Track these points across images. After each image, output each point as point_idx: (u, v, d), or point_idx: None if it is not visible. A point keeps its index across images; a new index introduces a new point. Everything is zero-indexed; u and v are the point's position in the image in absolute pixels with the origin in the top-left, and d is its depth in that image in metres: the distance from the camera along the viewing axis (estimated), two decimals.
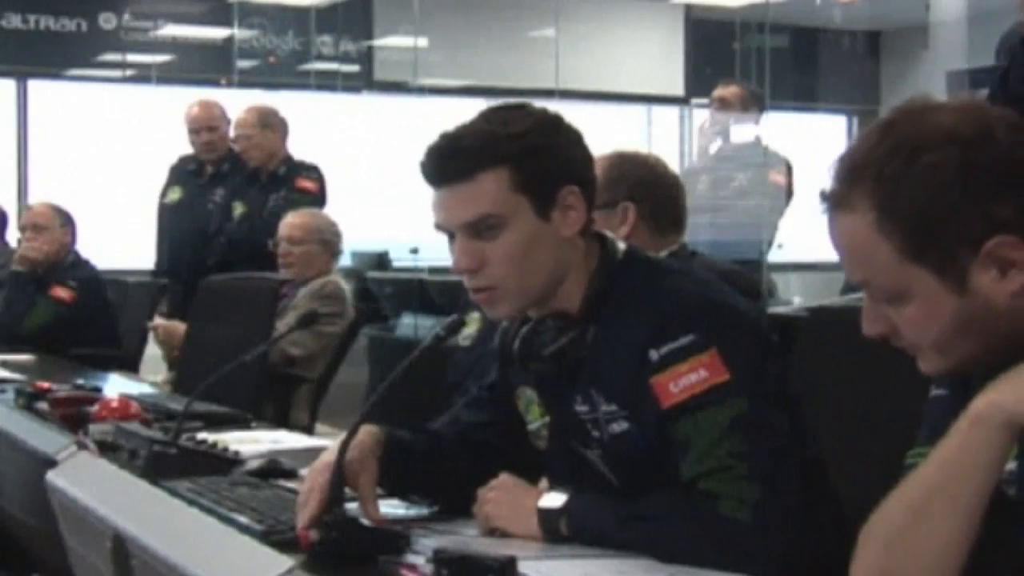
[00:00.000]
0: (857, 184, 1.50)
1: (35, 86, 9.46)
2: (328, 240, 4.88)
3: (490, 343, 2.16)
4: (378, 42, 10.19)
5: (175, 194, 6.24)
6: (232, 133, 6.05)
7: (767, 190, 6.44)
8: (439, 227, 2.03)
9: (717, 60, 9.29)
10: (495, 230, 1.97)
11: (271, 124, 5.90)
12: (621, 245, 2.08)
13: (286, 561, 1.62)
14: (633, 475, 1.96)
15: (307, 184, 5.78)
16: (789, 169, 6.48)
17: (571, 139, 2.04)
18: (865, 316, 1.55)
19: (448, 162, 1.98)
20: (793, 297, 7.41)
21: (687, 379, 1.88)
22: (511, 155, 1.96)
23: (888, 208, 1.48)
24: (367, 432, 1.99)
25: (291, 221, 4.91)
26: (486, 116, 2.02)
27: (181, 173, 6.27)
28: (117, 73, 9.70)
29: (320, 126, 8.24)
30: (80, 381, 3.51)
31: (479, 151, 1.97)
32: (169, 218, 6.23)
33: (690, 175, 6.58)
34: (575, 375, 2.00)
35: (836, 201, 1.53)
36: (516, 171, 1.96)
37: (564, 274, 2.01)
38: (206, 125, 6.11)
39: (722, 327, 1.92)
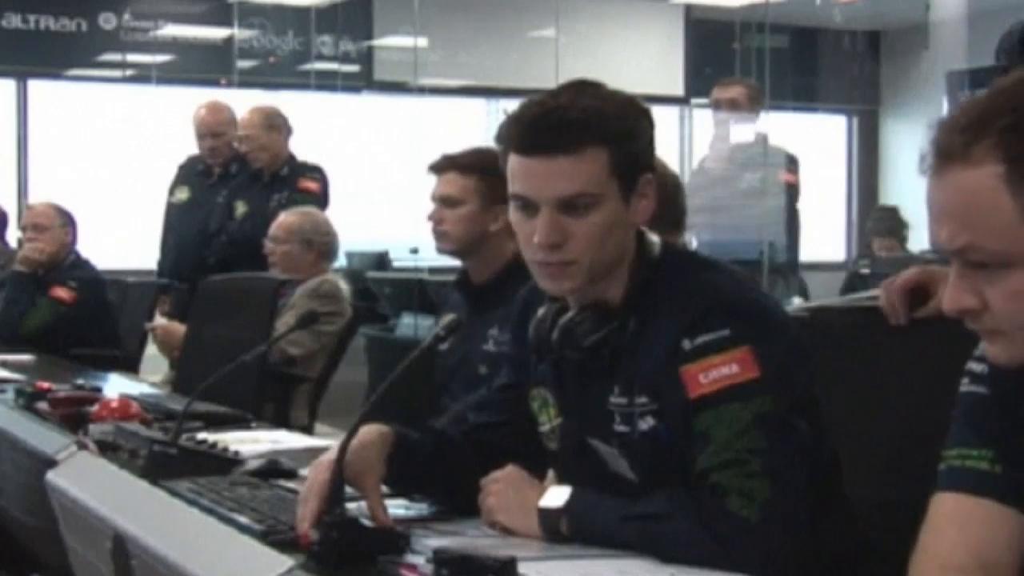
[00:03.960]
0: (982, 136, 1.36)
1: (35, 86, 9.46)
2: (312, 240, 4.85)
3: (480, 341, 2.15)
4: (378, 42, 10.19)
5: (183, 193, 6.23)
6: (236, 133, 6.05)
7: (779, 189, 6.44)
8: (518, 196, 1.97)
9: (717, 60, 9.29)
10: (587, 209, 1.93)
11: (276, 125, 5.90)
12: (656, 239, 2.06)
13: (286, 561, 1.63)
14: (655, 472, 1.95)
15: (310, 185, 5.78)
16: (797, 166, 6.49)
17: (653, 125, 2.02)
18: (952, 289, 1.42)
19: (553, 132, 1.92)
20: (793, 297, 7.38)
21: (718, 371, 1.86)
22: (614, 135, 1.93)
23: (1022, 160, 1.34)
24: (374, 431, 1.98)
25: (279, 220, 4.94)
26: (578, 90, 1.98)
27: (190, 173, 6.26)
28: (117, 73, 9.70)
29: (320, 126, 8.23)
30: (80, 381, 3.50)
31: (587, 127, 1.92)
32: (176, 217, 6.22)
33: (698, 175, 6.56)
34: (614, 367, 1.98)
35: (952, 154, 1.37)
36: (614, 153, 1.93)
37: (622, 261, 1.99)
38: (211, 131, 6.09)
39: (758, 325, 1.91)
